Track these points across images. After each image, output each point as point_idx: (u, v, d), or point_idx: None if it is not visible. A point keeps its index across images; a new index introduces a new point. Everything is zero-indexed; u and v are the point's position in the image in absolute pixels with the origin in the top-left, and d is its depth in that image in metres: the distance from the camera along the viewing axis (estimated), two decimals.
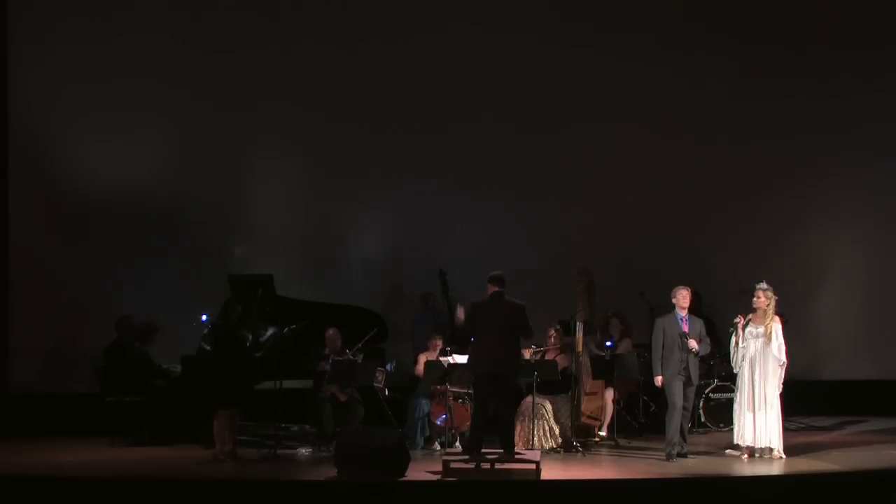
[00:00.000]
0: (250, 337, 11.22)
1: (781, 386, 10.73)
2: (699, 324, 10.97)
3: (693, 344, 10.77)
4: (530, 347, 11.46)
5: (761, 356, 10.72)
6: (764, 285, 10.83)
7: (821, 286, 13.68)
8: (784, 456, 10.68)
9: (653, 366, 10.96)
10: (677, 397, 10.77)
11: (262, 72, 13.65)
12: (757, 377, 10.72)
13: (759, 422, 10.68)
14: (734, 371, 10.99)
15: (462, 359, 11.11)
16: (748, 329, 10.80)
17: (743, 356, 10.81)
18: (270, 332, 11.57)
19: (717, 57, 13.82)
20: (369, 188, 13.74)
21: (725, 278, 12.91)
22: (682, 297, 10.91)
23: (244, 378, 10.93)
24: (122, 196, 13.42)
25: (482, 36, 13.72)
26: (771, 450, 10.69)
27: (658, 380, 10.90)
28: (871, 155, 13.86)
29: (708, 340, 11.05)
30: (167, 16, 13.58)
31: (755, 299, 10.82)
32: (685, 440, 10.91)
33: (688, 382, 10.84)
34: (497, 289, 10.39)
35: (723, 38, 13.85)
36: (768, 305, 10.77)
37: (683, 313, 10.91)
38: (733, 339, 10.89)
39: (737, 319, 10.86)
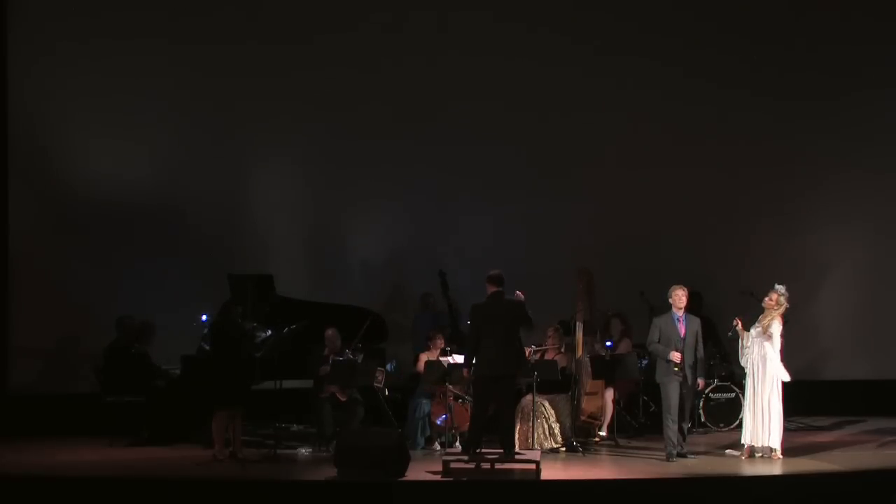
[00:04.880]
0: (249, 338, 11.23)
1: (787, 376, 10.72)
2: (696, 323, 10.95)
3: (676, 356, 10.71)
4: (530, 347, 11.46)
5: (762, 357, 10.73)
6: (782, 289, 10.80)
7: (821, 286, 13.66)
8: (782, 456, 10.69)
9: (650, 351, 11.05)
10: (673, 399, 10.74)
11: (262, 71, 13.63)
12: (759, 377, 10.73)
13: (759, 422, 10.69)
14: (745, 372, 10.99)
15: (461, 359, 11.08)
16: (752, 329, 10.80)
17: (748, 357, 10.83)
18: (269, 332, 11.57)
19: (720, 57, 13.80)
20: (369, 188, 13.73)
21: (725, 278, 12.93)
22: (678, 297, 10.88)
23: (243, 378, 10.93)
24: (122, 196, 13.41)
25: (483, 35, 13.70)
26: (771, 450, 10.70)
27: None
28: (871, 155, 13.84)
29: (701, 347, 10.95)
30: (166, 15, 13.56)
31: (766, 298, 10.83)
32: (685, 440, 10.91)
33: (684, 383, 10.81)
34: (496, 289, 10.34)
35: (723, 38, 13.83)
36: (774, 308, 10.76)
37: (680, 313, 10.89)
38: (740, 342, 10.91)
39: (734, 322, 10.87)
